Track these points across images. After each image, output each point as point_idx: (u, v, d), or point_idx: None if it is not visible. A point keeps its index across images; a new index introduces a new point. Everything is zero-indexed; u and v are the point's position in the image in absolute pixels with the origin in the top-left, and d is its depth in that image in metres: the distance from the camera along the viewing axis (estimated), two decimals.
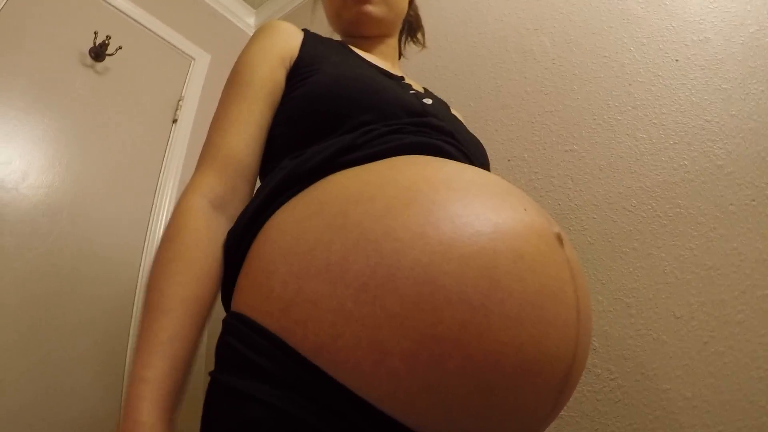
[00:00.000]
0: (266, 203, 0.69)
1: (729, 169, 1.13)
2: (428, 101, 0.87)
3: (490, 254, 0.51)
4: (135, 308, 1.87)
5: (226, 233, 0.72)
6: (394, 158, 0.67)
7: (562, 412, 1.02)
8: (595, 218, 1.28)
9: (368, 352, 0.50)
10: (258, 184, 0.82)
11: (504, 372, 0.49)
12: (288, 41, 0.89)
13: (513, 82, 1.62)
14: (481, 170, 0.66)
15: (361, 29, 1.07)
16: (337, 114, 0.76)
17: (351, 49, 0.99)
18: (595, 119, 1.38)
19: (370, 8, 1.03)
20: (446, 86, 1.79)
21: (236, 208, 0.76)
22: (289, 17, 2.86)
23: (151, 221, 2.04)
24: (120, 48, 2.05)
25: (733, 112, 1.17)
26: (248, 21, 3.02)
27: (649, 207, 1.20)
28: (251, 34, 2.61)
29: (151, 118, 2.21)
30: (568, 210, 1.33)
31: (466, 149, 0.82)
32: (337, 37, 1.14)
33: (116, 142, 2.02)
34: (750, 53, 1.21)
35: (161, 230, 2.03)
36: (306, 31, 0.97)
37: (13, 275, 1.59)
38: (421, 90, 1.05)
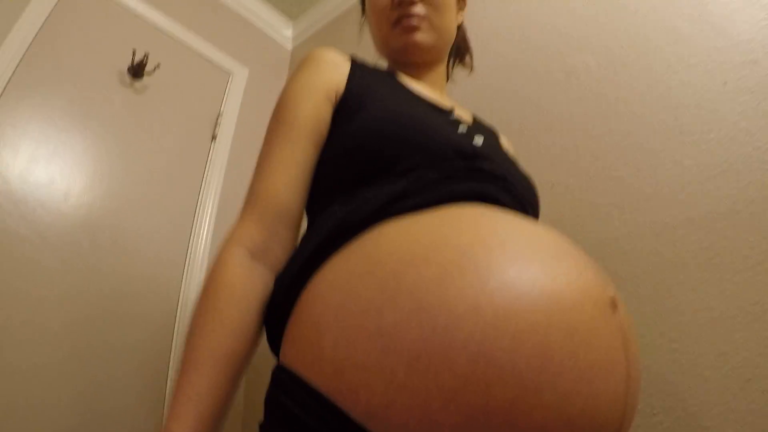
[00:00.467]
0: (317, 252, 0.74)
1: None
2: (479, 140, 0.93)
3: (543, 329, 0.55)
4: (176, 327, 2.03)
5: (265, 282, 0.78)
6: (446, 211, 0.72)
7: None
8: (639, 249, 1.35)
9: (419, 422, 0.54)
10: (304, 220, 0.90)
11: None
12: (334, 74, 0.96)
13: (557, 103, 1.70)
14: (535, 226, 0.71)
15: (409, 57, 1.14)
16: (387, 156, 0.82)
17: (399, 80, 1.07)
18: (641, 145, 1.45)
19: (419, 37, 1.09)
20: (490, 105, 1.87)
21: (277, 255, 0.82)
22: (326, 29, 3.02)
23: (191, 239, 2.20)
24: (158, 66, 2.21)
25: None
26: (285, 33, 3.17)
27: (696, 238, 1.27)
28: (288, 47, 2.79)
29: (191, 136, 2.37)
30: (612, 240, 1.41)
31: (518, 193, 0.88)
32: (383, 61, 1.23)
33: (156, 160, 2.18)
34: None
35: (202, 248, 2.21)
36: (353, 61, 1.04)
37: (56, 296, 1.74)
38: (470, 121, 1.13)
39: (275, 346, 0.77)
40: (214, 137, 2.48)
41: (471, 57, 1.39)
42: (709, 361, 1.16)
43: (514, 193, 0.86)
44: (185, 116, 2.42)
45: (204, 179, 2.37)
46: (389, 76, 1.07)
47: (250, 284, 0.77)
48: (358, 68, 1.01)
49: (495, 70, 1.96)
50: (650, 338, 1.26)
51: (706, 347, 1.17)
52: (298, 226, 0.88)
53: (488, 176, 0.84)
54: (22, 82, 1.85)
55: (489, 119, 1.58)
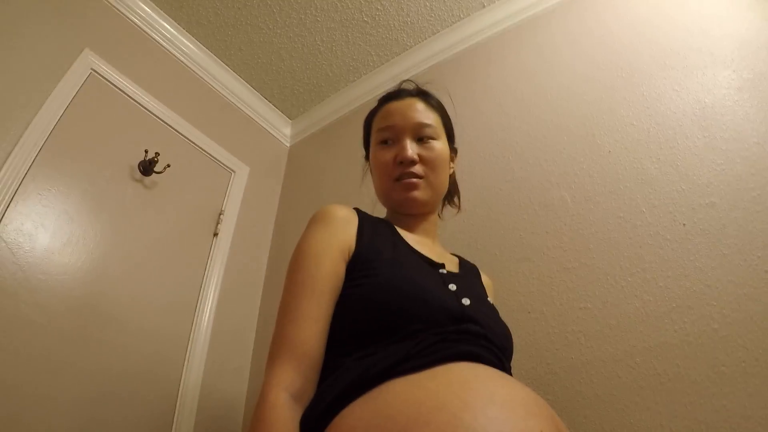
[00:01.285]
0: (338, 399, 1.00)
1: (723, 332, 1.54)
2: (466, 301, 1.21)
3: None
4: (176, 413, 2.37)
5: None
6: (442, 375, 0.99)
7: None
8: (602, 373, 1.69)
9: None
10: None
11: None
12: (345, 233, 1.26)
13: (535, 235, 2.08)
14: (509, 385, 0.98)
15: (407, 210, 1.49)
16: (394, 323, 1.10)
17: (398, 233, 1.40)
18: (607, 279, 1.81)
19: (417, 194, 1.44)
20: (474, 232, 2.27)
21: (309, 396, 1.07)
22: (323, 131, 3.60)
23: (193, 327, 2.57)
24: (168, 166, 2.61)
25: (731, 278, 1.59)
26: (284, 131, 3.70)
27: (651, 365, 1.61)
28: (287, 145, 3.34)
29: (194, 230, 2.78)
30: (579, 364, 1.75)
31: (497, 347, 1.18)
32: (381, 207, 1.59)
33: (162, 251, 2.57)
34: (750, 218, 1.64)
35: (203, 338, 2.58)
36: (359, 217, 1.34)
37: (69, 375, 2.06)
38: (456, 269, 1.46)
39: None
40: (215, 233, 2.90)
41: (459, 198, 1.75)
42: None
43: (492, 348, 1.15)
44: (190, 212, 2.82)
45: (206, 271, 2.77)
46: (390, 230, 1.39)
47: (292, 424, 1.01)
48: (364, 224, 1.32)
49: (480, 199, 2.35)
50: None
51: None
52: (320, 371, 1.13)
53: (473, 336, 1.13)
54: (39, 175, 2.19)
55: (473, 246, 1.99)
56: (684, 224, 1.76)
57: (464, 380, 0.98)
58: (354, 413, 0.97)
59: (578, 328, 1.83)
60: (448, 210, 1.76)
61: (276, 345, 1.13)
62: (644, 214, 1.86)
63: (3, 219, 2.04)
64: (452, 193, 1.72)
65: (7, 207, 2.06)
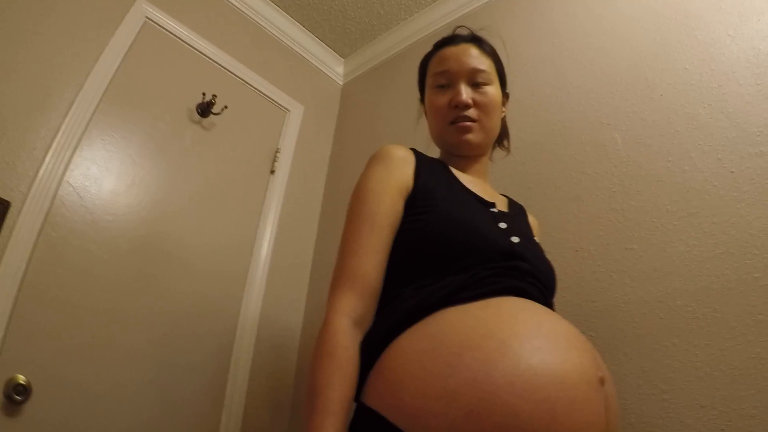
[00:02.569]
0: (397, 325, 1.10)
1: (764, 281, 1.55)
2: (515, 239, 1.28)
3: (553, 400, 0.90)
4: (235, 345, 2.53)
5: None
6: (493, 306, 1.08)
7: None
8: (644, 313, 1.74)
9: None
10: None
11: None
12: (403, 172, 1.32)
13: (585, 175, 2.10)
14: (554, 319, 1.08)
15: (461, 152, 1.54)
16: (449, 257, 1.18)
17: (452, 173, 1.45)
18: (654, 222, 1.83)
19: (470, 137, 1.49)
20: (527, 172, 2.29)
21: (369, 323, 1.17)
22: (376, 69, 3.55)
23: (252, 263, 2.69)
24: (226, 107, 2.68)
25: None
26: (337, 70, 3.69)
27: (691, 308, 1.65)
28: (339, 84, 3.37)
29: (252, 169, 2.86)
30: (622, 303, 1.79)
31: (543, 285, 1.26)
32: (434, 146, 1.63)
33: (221, 190, 2.67)
34: None
35: (261, 272, 2.70)
36: (416, 157, 1.39)
37: (134, 316, 2.20)
38: (506, 208, 1.51)
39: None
40: (272, 171, 2.98)
41: (508, 141, 1.79)
42: (692, 411, 1.55)
43: (539, 286, 1.24)
44: (247, 151, 2.90)
45: (263, 208, 2.87)
46: (445, 170, 1.44)
47: (355, 347, 1.10)
48: (421, 164, 1.38)
49: (531, 140, 2.36)
50: (646, 389, 1.65)
51: (690, 399, 1.56)
52: (379, 299, 1.22)
53: (522, 273, 1.21)
54: (102, 123, 2.29)
55: (525, 186, 2.01)
56: (732, 171, 1.75)
57: (512, 312, 1.07)
58: (410, 337, 1.08)
59: (623, 268, 1.86)
60: (498, 152, 1.79)
61: (338, 275, 1.21)
62: (693, 159, 1.85)
63: (70, 164, 2.14)
64: (502, 136, 1.75)
65: (73, 153, 2.16)
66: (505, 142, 1.79)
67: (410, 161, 1.37)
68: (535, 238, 1.53)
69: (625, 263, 1.87)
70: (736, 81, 1.86)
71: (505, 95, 1.65)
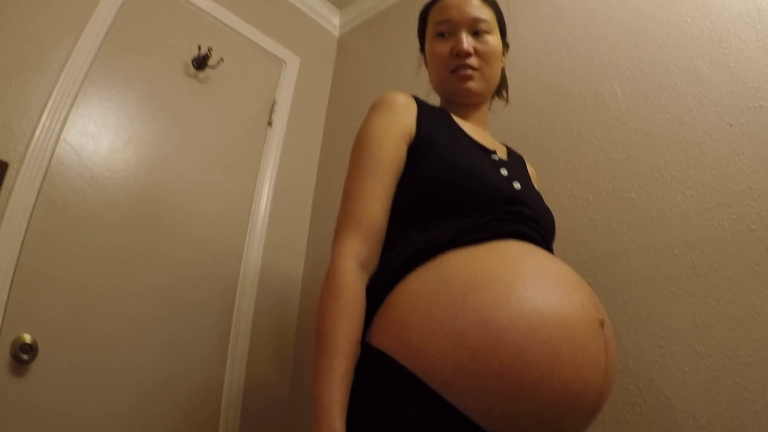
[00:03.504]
0: (403, 267, 1.10)
1: (760, 233, 1.55)
2: (517, 185, 1.29)
3: (557, 340, 0.93)
4: (238, 291, 2.54)
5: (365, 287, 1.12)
6: (497, 249, 1.10)
7: (599, 416, 1.30)
8: (642, 262, 1.74)
9: (475, 390, 0.92)
10: None
11: (556, 408, 0.93)
12: (406, 118, 1.30)
13: (585, 125, 2.07)
14: (556, 263, 1.10)
15: (462, 100, 1.52)
16: (453, 201, 1.18)
17: (454, 120, 1.43)
18: (653, 172, 1.82)
19: (471, 85, 1.47)
20: (526, 122, 2.26)
21: (374, 266, 1.17)
22: (372, 20, 3.44)
23: (252, 213, 2.67)
24: (222, 60, 2.60)
25: None
26: (333, 21, 3.58)
27: (689, 258, 1.65)
28: (335, 35, 3.28)
29: (249, 121, 2.80)
30: (620, 251, 1.80)
31: (544, 229, 1.27)
32: (434, 94, 1.61)
33: (219, 143, 2.62)
34: None
35: (261, 225, 2.68)
36: (418, 104, 1.37)
37: (136, 265, 2.19)
38: (506, 157, 1.51)
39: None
40: (270, 123, 2.92)
41: (507, 91, 1.76)
42: (688, 358, 1.57)
43: (540, 231, 1.25)
44: (244, 103, 2.84)
45: (262, 159, 2.83)
46: (446, 117, 1.43)
47: (361, 289, 1.10)
48: (423, 111, 1.36)
49: (531, 90, 2.32)
50: (644, 335, 1.66)
51: (686, 347, 1.58)
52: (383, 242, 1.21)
53: (525, 218, 1.22)
54: (97, 79, 2.23)
55: (525, 135, 1.99)
56: (731, 125, 1.74)
57: (516, 255, 1.10)
58: (417, 279, 1.08)
59: (621, 217, 1.86)
60: (497, 102, 1.77)
61: (343, 220, 1.20)
62: (692, 111, 1.83)
63: (66, 123, 2.09)
64: (501, 87, 1.73)
65: (69, 111, 2.11)
66: (504, 93, 1.77)
67: (412, 108, 1.36)
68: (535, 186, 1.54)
69: (623, 212, 1.87)
70: (736, 36, 1.83)
71: (505, 45, 1.63)
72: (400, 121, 1.30)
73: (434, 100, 1.58)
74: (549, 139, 2.18)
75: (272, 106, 2.98)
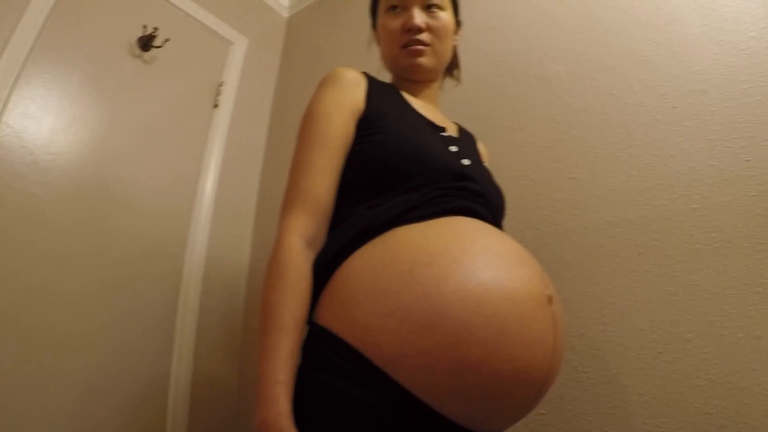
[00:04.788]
0: (350, 243, 1.07)
1: (701, 212, 1.55)
2: (466, 161, 1.28)
3: (503, 315, 0.91)
4: (182, 283, 2.42)
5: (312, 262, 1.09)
6: (444, 225, 1.07)
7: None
8: (585, 240, 1.73)
9: (421, 367, 0.89)
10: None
11: (504, 383, 0.90)
12: (355, 94, 1.26)
13: (530, 106, 2.05)
14: (503, 239, 1.08)
15: (412, 76, 1.48)
16: (400, 176, 1.15)
17: (404, 97, 1.39)
18: (596, 152, 1.81)
19: (422, 61, 1.43)
20: (473, 101, 2.22)
21: (321, 242, 1.14)
22: (323, 1, 3.34)
23: (196, 198, 2.54)
24: (167, 40, 2.48)
25: (714, 163, 1.58)
26: (282, 2, 3.44)
27: (631, 237, 1.64)
28: (284, 16, 3.12)
29: (194, 104, 2.68)
30: (563, 231, 1.78)
31: (492, 206, 1.25)
32: (385, 71, 1.55)
33: (164, 126, 2.50)
34: (739, 109, 1.60)
35: (207, 208, 2.57)
36: (368, 79, 1.34)
37: (77, 258, 2.06)
38: (456, 134, 1.46)
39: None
40: (216, 105, 2.80)
41: (459, 71, 1.72)
42: (631, 334, 1.56)
43: (489, 207, 1.23)
44: (190, 85, 2.72)
45: (207, 144, 2.70)
46: (396, 94, 1.40)
47: (307, 266, 1.07)
48: (373, 87, 1.32)
49: (479, 68, 2.28)
50: (587, 313, 1.64)
51: (629, 324, 1.56)
52: (330, 220, 1.18)
53: (473, 194, 1.20)
54: (40, 59, 2.10)
55: (471, 115, 1.94)
56: (674, 107, 1.73)
57: (464, 230, 1.07)
58: (363, 255, 1.05)
59: (565, 197, 1.84)
60: (449, 82, 1.74)
61: (290, 196, 1.17)
62: (637, 93, 1.83)
63: (8, 104, 1.97)
64: (453, 66, 1.69)
65: (11, 92, 1.99)
66: (456, 72, 1.73)
67: (361, 83, 1.32)
68: (485, 164, 1.51)
69: (566, 192, 1.85)
70: (681, 20, 1.82)
71: (458, 23, 1.59)
72: (349, 96, 1.27)
73: (385, 78, 1.52)
74: (494, 119, 2.15)
75: (219, 88, 2.86)
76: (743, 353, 1.42)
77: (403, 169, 1.17)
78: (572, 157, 1.88)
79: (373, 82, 1.35)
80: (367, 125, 1.24)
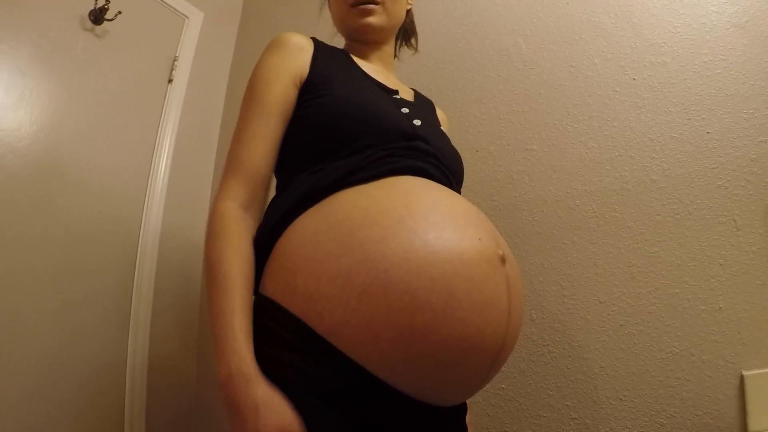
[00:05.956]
0: (291, 210, 1.02)
1: (662, 184, 1.52)
2: (417, 122, 1.19)
3: (450, 276, 0.85)
4: (138, 261, 2.29)
5: (252, 228, 1.06)
6: (388, 185, 1.01)
7: (504, 368, 1.26)
8: (543, 212, 1.67)
9: (365, 335, 0.84)
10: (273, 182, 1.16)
11: (454, 350, 0.85)
12: (298, 59, 1.20)
13: (488, 78, 1.98)
14: (451, 198, 1.02)
15: (362, 36, 1.39)
16: (344, 137, 1.09)
17: (354, 61, 1.31)
18: (555, 124, 1.76)
19: (372, 20, 1.33)
20: (428, 74, 2.13)
21: (257, 209, 1.10)
22: None
23: (150, 176, 2.41)
24: (119, 13, 2.32)
25: (674, 135, 1.55)
26: None
27: (590, 208, 1.60)
28: None
29: (149, 78, 2.53)
30: (522, 202, 1.72)
31: (446, 167, 1.17)
32: (339, 38, 1.47)
33: (117, 101, 2.33)
34: (699, 81, 1.57)
35: (161, 186, 2.43)
36: (316, 44, 1.26)
37: (30, 237, 1.93)
38: (411, 98, 1.38)
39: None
40: (170, 80, 2.64)
41: (416, 39, 1.64)
42: (592, 307, 1.51)
43: (441, 167, 1.15)
44: (144, 59, 2.55)
45: (161, 120, 2.55)
46: (346, 57, 1.32)
47: (243, 225, 1.04)
48: (319, 52, 1.25)
49: (435, 40, 2.20)
50: (546, 285, 1.59)
51: (590, 296, 1.52)
52: (269, 188, 1.15)
53: (423, 153, 1.12)
54: None
55: (427, 87, 1.86)
56: (634, 78, 1.70)
57: (409, 189, 1.01)
58: (306, 220, 1.01)
59: (523, 168, 1.79)
60: (405, 51, 1.66)
61: (227, 164, 1.14)
62: (596, 65, 1.78)
63: None
64: (410, 34, 1.62)
65: None
66: (413, 41, 1.65)
67: (307, 48, 1.25)
68: (443, 129, 1.42)
69: (524, 163, 1.79)
70: None
71: None
72: (291, 61, 1.20)
73: (338, 44, 1.45)
74: (452, 91, 2.07)
75: (173, 62, 2.70)
76: (705, 325, 1.39)
77: (348, 130, 1.11)
78: (530, 129, 1.82)
79: (320, 47, 1.28)
80: (310, 90, 1.18)
